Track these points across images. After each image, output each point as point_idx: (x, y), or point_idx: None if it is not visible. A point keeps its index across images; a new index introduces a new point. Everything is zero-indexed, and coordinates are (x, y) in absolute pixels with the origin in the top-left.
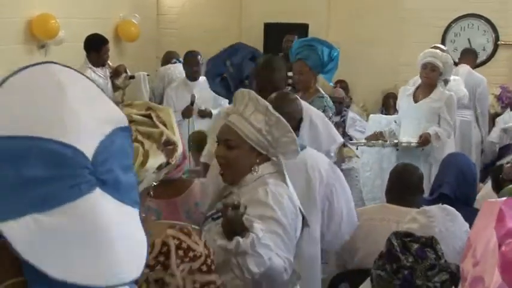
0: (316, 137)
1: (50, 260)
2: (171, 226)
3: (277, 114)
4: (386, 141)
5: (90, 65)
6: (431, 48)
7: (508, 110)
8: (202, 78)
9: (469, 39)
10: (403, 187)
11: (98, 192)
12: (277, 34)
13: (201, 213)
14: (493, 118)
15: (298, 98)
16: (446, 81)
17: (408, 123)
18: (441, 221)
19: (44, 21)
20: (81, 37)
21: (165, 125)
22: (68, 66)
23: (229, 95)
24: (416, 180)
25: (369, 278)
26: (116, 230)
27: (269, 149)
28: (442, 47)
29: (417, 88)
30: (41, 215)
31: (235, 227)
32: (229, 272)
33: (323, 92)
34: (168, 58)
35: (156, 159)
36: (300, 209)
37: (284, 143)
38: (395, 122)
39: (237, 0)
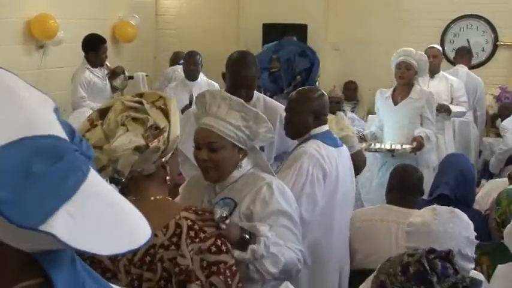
0: (283, 137)
1: (93, 241)
2: (186, 208)
3: (253, 109)
4: (370, 144)
5: (88, 66)
6: (427, 48)
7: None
8: (201, 78)
9: (468, 40)
10: (403, 188)
11: (91, 170)
12: (276, 35)
13: None
14: (491, 119)
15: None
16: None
17: (390, 127)
18: (443, 221)
19: (42, 21)
20: (79, 37)
21: (165, 112)
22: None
23: (277, 89)
24: (416, 181)
25: (369, 279)
26: (121, 200)
27: (247, 143)
28: (437, 47)
29: (394, 90)
30: (67, 205)
31: (236, 237)
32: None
33: None
34: (176, 59)
35: (130, 140)
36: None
37: (262, 134)
38: (376, 125)
39: (235, 1)
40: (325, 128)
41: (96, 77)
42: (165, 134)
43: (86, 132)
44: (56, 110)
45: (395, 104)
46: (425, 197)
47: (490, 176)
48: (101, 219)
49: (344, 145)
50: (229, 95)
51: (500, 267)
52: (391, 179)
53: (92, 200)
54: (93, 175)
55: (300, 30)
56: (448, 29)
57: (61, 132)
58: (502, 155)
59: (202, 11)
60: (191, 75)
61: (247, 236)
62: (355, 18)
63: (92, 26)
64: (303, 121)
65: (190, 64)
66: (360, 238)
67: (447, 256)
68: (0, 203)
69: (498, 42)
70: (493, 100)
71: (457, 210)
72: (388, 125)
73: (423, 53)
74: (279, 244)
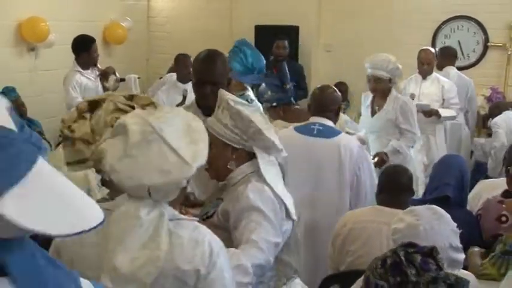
0: None
1: (42, 221)
2: None
3: (237, 107)
4: None
5: (79, 68)
6: (421, 51)
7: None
8: None
9: (459, 41)
10: (394, 188)
11: (40, 157)
12: (268, 37)
13: None
14: (482, 119)
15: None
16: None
17: (370, 136)
18: (427, 220)
19: (33, 24)
20: (71, 40)
21: None
22: None
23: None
24: (407, 181)
25: (360, 280)
26: (72, 188)
27: (242, 142)
28: (430, 49)
29: (374, 98)
30: (16, 188)
31: None
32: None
33: (251, 96)
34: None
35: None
36: (285, 205)
37: (253, 134)
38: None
39: (228, 3)
40: (312, 119)
41: (88, 79)
42: None
43: (74, 122)
44: (9, 108)
45: (373, 114)
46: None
47: (485, 177)
48: (50, 202)
49: (336, 136)
50: (223, 95)
51: None
52: (381, 179)
53: (40, 185)
54: (44, 164)
55: (292, 32)
56: (439, 30)
57: (10, 124)
58: (496, 154)
59: (194, 13)
60: (183, 78)
61: None
62: (347, 20)
63: (83, 28)
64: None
65: (182, 67)
66: (352, 240)
67: (430, 252)
68: None
69: (489, 43)
70: (484, 101)
71: (433, 206)
72: (370, 135)
73: (394, 61)
74: (236, 253)
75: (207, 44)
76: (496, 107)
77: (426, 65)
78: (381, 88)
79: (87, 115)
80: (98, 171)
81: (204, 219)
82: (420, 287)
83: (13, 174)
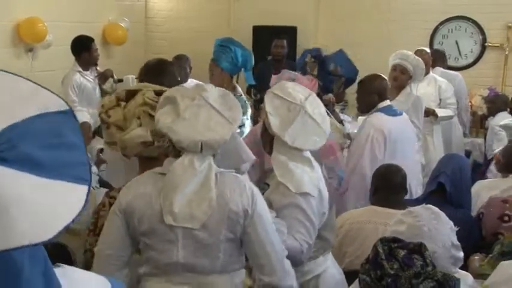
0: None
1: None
2: None
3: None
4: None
5: (79, 69)
6: (417, 51)
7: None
8: (190, 81)
9: (456, 42)
10: (388, 188)
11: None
12: (266, 37)
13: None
14: (480, 120)
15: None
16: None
17: None
18: (427, 220)
19: (31, 24)
20: (69, 41)
21: None
22: (4, 71)
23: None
24: (400, 180)
25: (357, 280)
26: (12, 200)
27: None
28: (426, 49)
29: None
30: None
31: None
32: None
33: (240, 91)
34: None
35: (139, 136)
36: (320, 190)
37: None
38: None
39: (226, 3)
40: (387, 102)
41: (87, 80)
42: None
43: (111, 108)
44: (55, 113)
45: None
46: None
47: (481, 177)
48: None
49: (403, 113)
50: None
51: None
52: (375, 180)
53: None
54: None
55: (289, 33)
56: (436, 30)
57: None
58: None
59: (193, 14)
60: (181, 78)
61: None
62: (345, 20)
63: (81, 29)
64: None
65: (178, 69)
66: (349, 241)
67: (418, 249)
68: None
69: (486, 44)
70: (481, 101)
71: (429, 206)
72: None
73: (421, 60)
74: (282, 232)
75: (205, 44)
76: (491, 102)
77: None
78: (402, 79)
79: (123, 103)
80: (125, 155)
81: None
82: (401, 281)
83: None
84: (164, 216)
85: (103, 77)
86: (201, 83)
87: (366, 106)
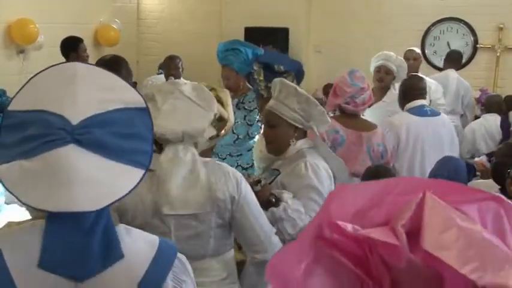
0: None
1: (25, 191)
2: None
3: (305, 93)
4: None
5: None
6: (407, 51)
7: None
8: (183, 82)
9: (448, 43)
10: None
11: (71, 147)
12: (258, 38)
13: (379, 153)
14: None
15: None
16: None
17: None
18: None
19: (22, 26)
20: (60, 42)
21: (222, 103)
22: (93, 65)
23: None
24: None
25: None
26: (79, 177)
27: (304, 123)
28: (417, 50)
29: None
30: (25, 161)
31: (263, 198)
32: None
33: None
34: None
35: (208, 132)
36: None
37: (316, 116)
38: None
39: (217, 4)
40: (418, 103)
41: None
42: (228, 124)
43: None
44: (134, 109)
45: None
46: None
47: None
48: (44, 182)
49: (440, 114)
50: (287, 81)
51: None
52: (365, 181)
53: (45, 165)
54: (67, 151)
55: (282, 34)
56: (428, 31)
57: (76, 116)
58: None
59: (185, 15)
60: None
61: (273, 200)
62: (337, 21)
63: (73, 30)
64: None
65: (171, 69)
66: None
67: None
68: None
69: (478, 45)
70: (474, 102)
71: None
72: None
73: (403, 59)
74: (300, 211)
75: (197, 45)
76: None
77: (412, 60)
78: (387, 80)
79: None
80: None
81: (256, 184)
82: None
83: (30, 150)
84: (162, 208)
85: None
86: (195, 83)
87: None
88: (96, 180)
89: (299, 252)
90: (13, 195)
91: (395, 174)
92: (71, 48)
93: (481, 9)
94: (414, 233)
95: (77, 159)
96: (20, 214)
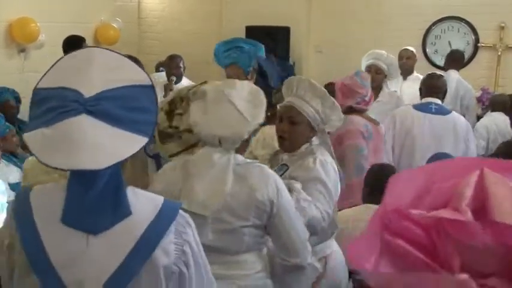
0: None
1: (45, 154)
2: None
3: (332, 98)
4: None
5: None
6: (402, 50)
7: (489, 112)
8: (184, 81)
9: (449, 42)
10: (384, 187)
11: (83, 117)
12: (259, 37)
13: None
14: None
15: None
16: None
17: None
18: None
19: (23, 24)
20: (61, 41)
21: None
22: (108, 49)
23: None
24: None
25: (351, 279)
26: (86, 141)
27: (320, 125)
28: (411, 49)
29: None
30: (45, 129)
31: None
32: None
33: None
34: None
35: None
36: (339, 174)
37: (333, 120)
38: None
39: (218, 4)
40: (427, 100)
41: None
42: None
43: (170, 121)
44: (140, 86)
45: None
46: None
47: None
48: (60, 146)
49: (450, 113)
50: (315, 83)
51: None
52: (369, 180)
53: (60, 132)
54: (80, 120)
55: (282, 33)
56: (429, 31)
57: (89, 91)
58: None
59: (185, 14)
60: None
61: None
62: (338, 21)
63: (73, 29)
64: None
65: (172, 68)
66: (345, 239)
67: None
68: None
69: (479, 44)
70: (474, 103)
71: None
72: None
73: (394, 57)
74: (308, 200)
75: (198, 44)
76: (491, 103)
77: (405, 59)
78: (378, 79)
79: (180, 111)
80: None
81: None
82: None
83: (50, 119)
84: (182, 200)
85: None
86: (254, 86)
87: None
88: (102, 145)
89: (369, 244)
90: (35, 157)
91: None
92: (74, 47)
93: (482, 8)
94: (478, 211)
95: (87, 126)
96: None
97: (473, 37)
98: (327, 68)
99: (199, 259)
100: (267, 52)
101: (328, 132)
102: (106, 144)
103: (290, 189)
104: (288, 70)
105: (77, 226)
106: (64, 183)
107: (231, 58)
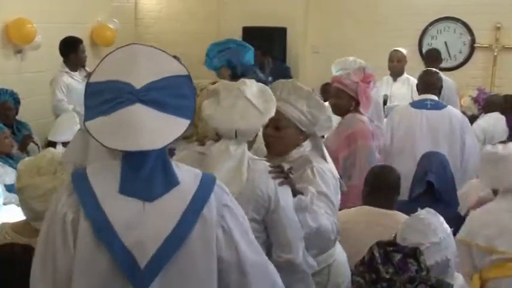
0: None
1: (106, 138)
2: None
3: (317, 97)
4: None
5: (66, 70)
6: (392, 51)
7: (483, 114)
8: None
9: (445, 42)
10: (384, 188)
11: (137, 105)
12: (256, 38)
13: None
14: (470, 120)
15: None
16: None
17: None
18: (440, 228)
19: (20, 25)
20: (57, 42)
21: None
22: (148, 46)
23: None
24: (396, 180)
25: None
26: (142, 126)
27: (309, 127)
28: (402, 50)
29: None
30: (104, 117)
31: (295, 185)
32: None
33: None
34: None
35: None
36: (338, 178)
37: (322, 121)
38: None
39: (215, 4)
40: (423, 96)
41: (75, 80)
42: None
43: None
44: (178, 76)
45: None
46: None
47: None
48: (118, 130)
49: (445, 108)
50: (300, 84)
51: None
52: (369, 181)
53: (118, 120)
54: (134, 109)
55: (279, 34)
56: (426, 31)
57: (139, 83)
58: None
59: (182, 15)
60: None
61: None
62: (335, 21)
63: (70, 30)
64: None
65: None
66: (343, 240)
67: (413, 253)
68: None
69: (475, 45)
70: (471, 101)
71: (429, 209)
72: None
73: (362, 61)
74: (320, 207)
75: (195, 45)
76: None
77: (396, 62)
78: None
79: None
80: (202, 144)
81: (291, 172)
82: (396, 285)
83: (107, 109)
84: None
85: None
86: (262, 85)
87: None
88: (155, 128)
89: None
90: (98, 141)
91: (399, 175)
92: (71, 48)
93: (478, 8)
94: None
95: (142, 114)
96: (17, 215)
97: (469, 37)
98: (324, 68)
99: (240, 219)
100: (263, 54)
101: (322, 137)
102: (158, 128)
103: (303, 193)
104: (284, 72)
105: (134, 195)
106: (114, 162)
107: (224, 60)
